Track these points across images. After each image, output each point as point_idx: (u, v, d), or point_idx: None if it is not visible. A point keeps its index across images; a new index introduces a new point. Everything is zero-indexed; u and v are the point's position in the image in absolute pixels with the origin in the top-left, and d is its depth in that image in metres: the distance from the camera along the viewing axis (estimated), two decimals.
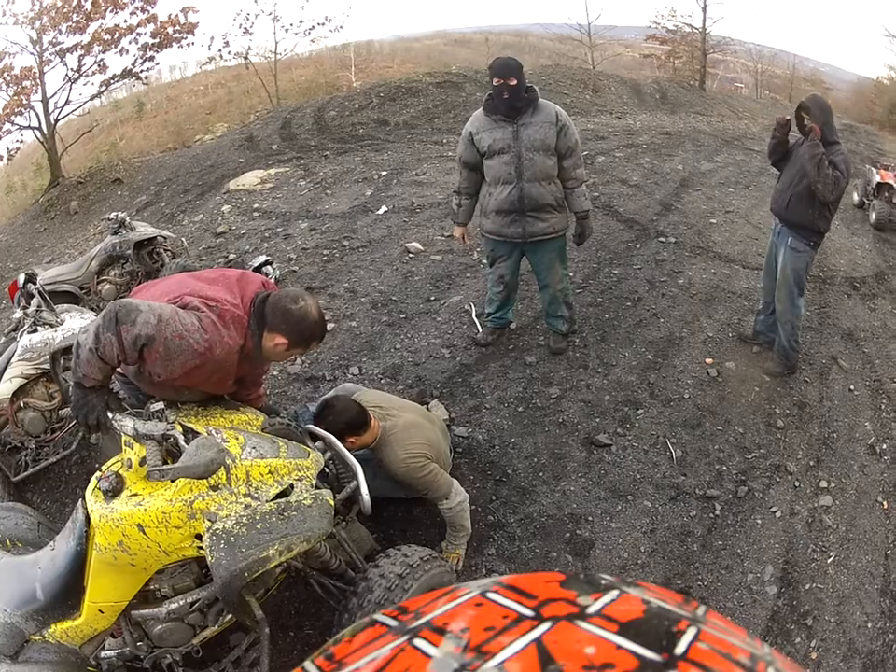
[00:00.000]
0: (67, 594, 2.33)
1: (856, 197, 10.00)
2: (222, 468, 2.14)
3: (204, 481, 2.18)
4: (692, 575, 3.53)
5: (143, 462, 2.16)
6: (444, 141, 12.11)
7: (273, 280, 6.17)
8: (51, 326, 4.07)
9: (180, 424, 2.33)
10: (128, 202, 12.15)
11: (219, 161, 12.69)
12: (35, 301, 4.22)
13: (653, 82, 22.88)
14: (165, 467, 2.05)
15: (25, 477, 4.05)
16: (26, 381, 3.95)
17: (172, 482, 2.16)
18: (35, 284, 4.31)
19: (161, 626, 2.36)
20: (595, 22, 25.11)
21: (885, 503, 4.13)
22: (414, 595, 2.60)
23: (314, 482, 2.52)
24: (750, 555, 3.66)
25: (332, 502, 2.46)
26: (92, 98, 16.56)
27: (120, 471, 2.21)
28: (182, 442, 2.16)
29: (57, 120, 15.49)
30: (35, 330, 4.09)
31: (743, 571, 3.57)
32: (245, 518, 2.17)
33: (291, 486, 2.41)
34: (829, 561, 3.70)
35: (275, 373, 4.90)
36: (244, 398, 3.01)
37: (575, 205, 4.54)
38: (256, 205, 9.01)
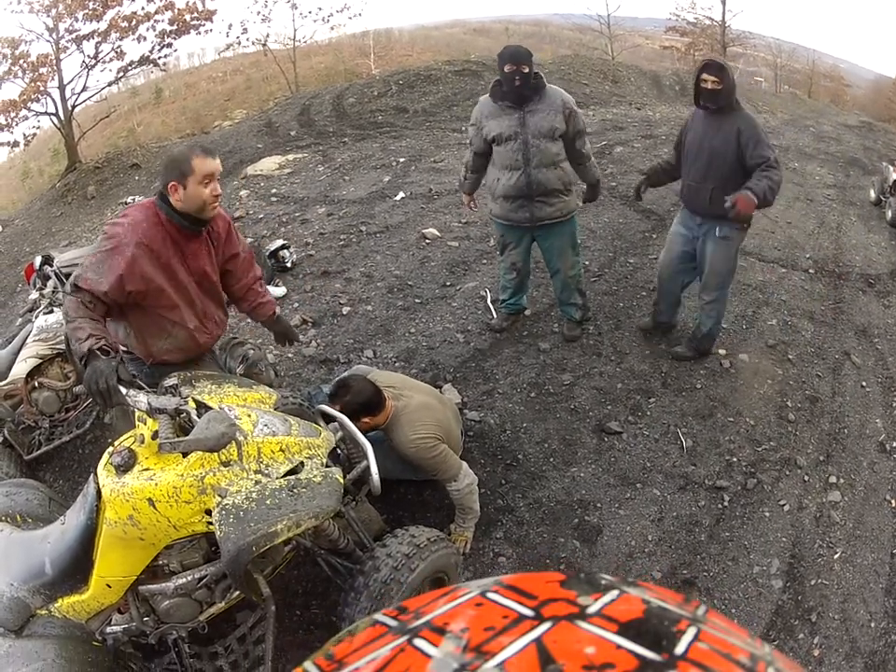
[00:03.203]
0: (76, 568, 2.34)
1: (873, 194, 9.89)
2: (234, 444, 2.17)
3: (216, 456, 2.21)
4: (698, 565, 3.54)
5: (155, 436, 2.19)
6: (462, 129, 12.01)
7: (289, 264, 6.24)
8: None
9: (193, 399, 2.36)
10: (145, 186, 12.17)
11: (238, 146, 12.70)
12: (51, 283, 4.28)
13: (673, 74, 22.68)
14: (176, 439, 2.08)
15: (38, 455, 4.08)
16: (41, 361, 4.00)
17: (184, 455, 2.19)
18: (51, 266, 4.36)
19: (168, 602, 2.38)
20: (616, 13, 24.96)
21: (893, 501, 4.11)
22: (422, 575, 2.63)
23: (324, 460, 2.55)
24: (757, 548, 3.67)
25: (342, 480, 2.47)
26: (110, 84, 16.59)
27: (132, 447, 2.24)
28: (195, 417, 2.19)
29: (74, 107, 15.54)
30: (51, 311, 4.16)
31: (749, 564, 3.58)
32: (254, 493, 2.19)
33: (301, 464, 2.43)
34: (835, 557, 3.69)
35: (290, 355, 4.95)
36: (246, 305, 3.30)
37: (588, 177, 4.61)
38: (274, 190, 9.04)
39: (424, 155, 10.34)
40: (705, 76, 4.04)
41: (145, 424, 2.26)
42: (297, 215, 7.93)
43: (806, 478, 4.14)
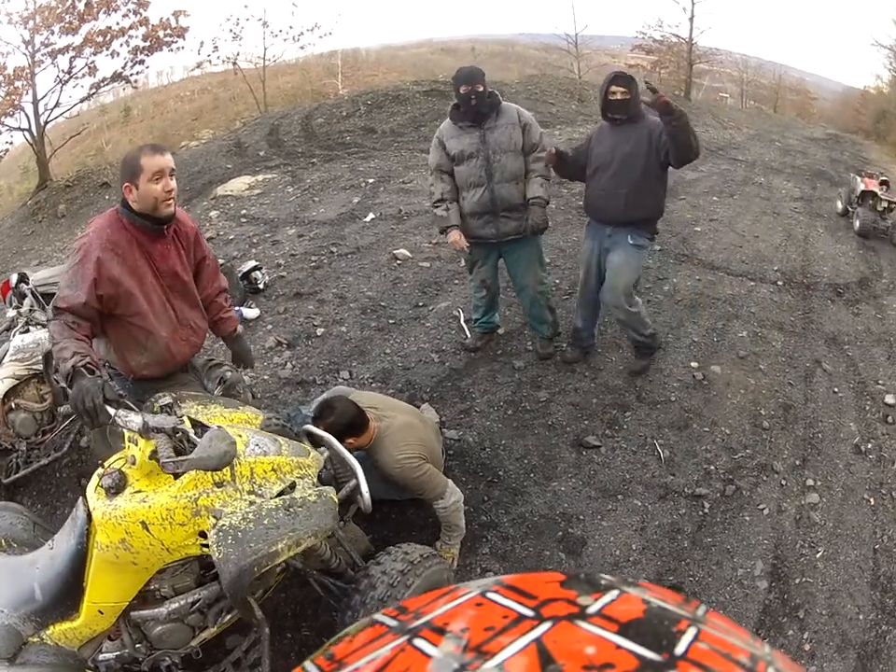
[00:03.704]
0: (66, 594, 2.27)
1: (840, 205, 10.12)
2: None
3: (209, 477, 2.17)
4: (683, 571, 3.57)
5: (153, 456, 2.15)
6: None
7: (261, 285, 6.21)
8: (44, 326, 4.02)
9: (189, 418, 2.33)
10: (116, 205, 11.99)
11: (207, 166, 12.63)
12: (27, 302, 4.21)
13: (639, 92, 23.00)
14: (179, 458, 2.04)
15: (16, 479, 3.98)
16: (18, 382, 3.90)
17: (175, 477, 2.16)
18: (27, 284, 4.29)
19: (160, 627, 2.32)
20: (582, 32, 25.16)
21: (872, 500, 4.19)
22: (416, 591, 2.61)
23: (315, 479, 2.54)
24: (740, 551, 3.71)
25: (336, 499, 2.47)
26: (82, 101, 16.24)
27: (123, 468, 2.20)
28: (192, 436, 2.16)
29: (47, 123, 15.27)
30: (28, 331, 4.06)
31: (733, 567, 3.62)
32: (251, 514, 2.16)
33: (293, 484, 2.41)
34: (818, 556, 3.75)
35: (266, 377, 4.93)
36: (208, 317, 3.24)
37: (529, 191, 4.52)
38: (244, 211, 9.00)
39: (393, 176, 10.38)
40: (613, 88, 4.19)
41: (136, 444, 2.20)
42: (267, 236, 7.90)
43: (784, 482, 4.20)
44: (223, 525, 2.10)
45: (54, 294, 5.01)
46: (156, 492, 2.15)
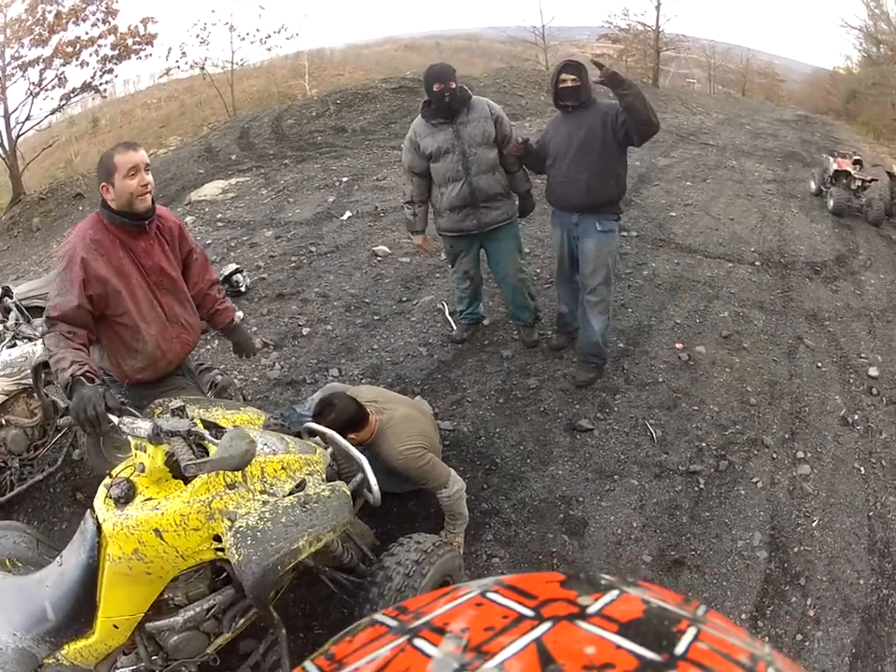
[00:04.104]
0: (79, 610, 2.20)
1: (813, 185, 10.24)
2: None
3: (221, 479, 2.15)
4: (684, 545, 3.62)
5: (169, 460, 2.13)
6: (402, 146, 12.08)
7: (243, 288, 6.17)
8: (30, 340, 3.97)
9: (201, 420, 2.30)
10: (94, 211, 11.85)
11: (179, 172, 12.53)
12: (13, 315, 4.14)
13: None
14: (201, 460, 1.97)
15: (10, 497, 3.90)
16: (7, 397, 3.82)
17: (185, 482, 2.13)
18: (11, 298, 4.22)
19: (176, 637, 2.28)
20: (549, 24, 25.18)
21: (862, 468, 4.27)
22: (432, 580, 2.62)
23: (324, 476, 2.52)
24: (738, 524, 3.77)
25: (348, 492, 2.46)
26: (53, 112, 16.07)
27: (132, 477, 2.16)
28: (209, 436, 2.10)
29: (19, 136, 15.09)
30: (14, 345, 3.99)
31: (732, 539, 3.68)
32: (267, 513, 2.13)
33: (303, 481, 2.39)
34: (813, 525, 3.82)
35: (255, 379, 4.92)
36: (203, 311, 3.24)
37: (518, 187, 4.70)
38: (219, 215, 8.93)
39: (366, 174, 10.36)
40: (563, 76, 4.22)
41: (144, 451, 2.15)
42: (245, 239, 7.84)
43: (775, 455, 4.28)
44: (240, 527, 2.08)
45: (34, 307, 4.97)
46: (168, 498, 2.11)
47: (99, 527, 2.15)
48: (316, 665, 0.66)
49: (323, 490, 2.36)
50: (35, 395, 3.83)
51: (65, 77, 15.12)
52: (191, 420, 2.19)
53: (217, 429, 2.21)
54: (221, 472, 2.14)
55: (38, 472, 4.03)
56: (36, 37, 14.31)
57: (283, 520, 2.14)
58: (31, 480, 3.99)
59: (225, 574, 2.35)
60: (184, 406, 2.24)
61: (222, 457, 1.93)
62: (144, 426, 2.11)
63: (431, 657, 0.58)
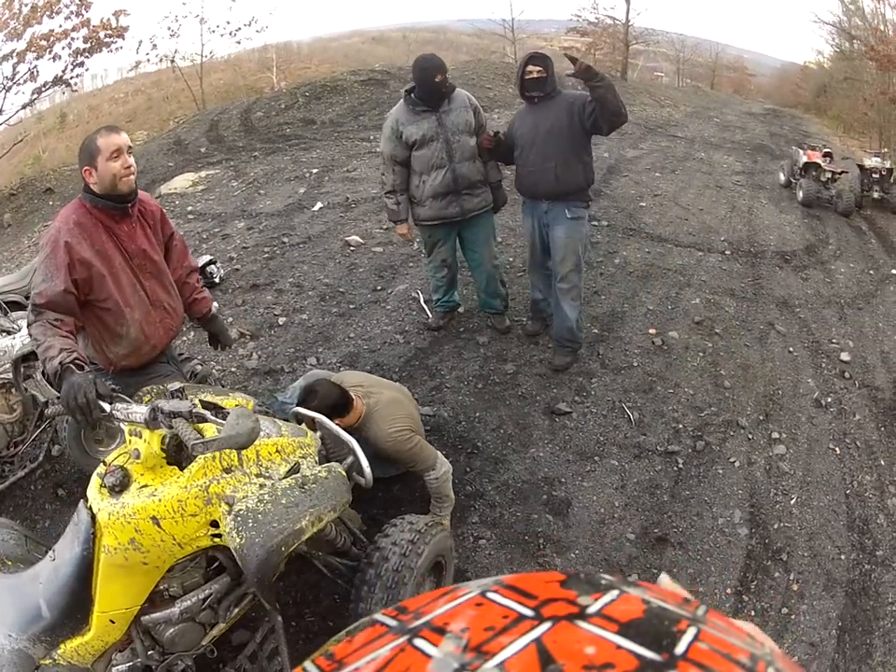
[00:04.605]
0: (75, 606, 2.12)
1: (782, 177, 10.41)
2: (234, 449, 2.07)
3: (217, 464, 2.12)
4: (666, 523, 3.67)
5: (171, 443, 2.10)
6: (371, 137, 12.03)
7: (217, 279, 6.10)
8: (9, 333, 3.87)
9: (200, 401, 2.25)
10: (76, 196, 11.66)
11: (149, 166, 12.34)
12: None
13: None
14: (208, 439, 1.91)
15: None
16: None
17: (180, 468, 2.10)
18: None
19: (172, 629, 2.23)
20: (518, 17, 25.18)
21: (837, 449, 4.35)
22: (427, 559, 2.64)
23: (317, 458, 2.51)
24: (717, 502, 3.84)
25: (344, 473, 2.45)
26: (24, 107, 15.66)
27: (126, 464, 2.11)
28: (210, 416, 2.03)
29: None
30: None
31: (713, 516, 3.74)
32: (266, 496, 2.12)
33: (297, 464, 2.37)
34: (792, 502, 3.89)
35: (233, 369, 4.89)
36: (181, 299, 3.15)
37: (492, 176, 4.74)
38: (190, 208, 8.84)
39: (336, 165, 10.32)
40: (530, 67, 4.31)
41: (140, 437, 2.10)
42: (217, 231, 7.77)
43: (750, 436, 4.35)
44: (239, 510, 2.05)
45: (10, 302, 4.86)
46: (164, 484, 2.07)
47: (93, 518, 2.09)
48: (316, 665, 0.65)
49: (319, 471, 2.35)
50: (14, 390, 3.74)
51: (37, 71, 14.77)
52: (191, 402, 2.14)
53: (216, 410, 2.16)
54: (217, 457, 2.12)
55: (19, 469, 3.93)
56: (11, 31, 14.00)
57: (283, 501, 2.13)
58: (12, 477, 3.89)
59: (217, 563, 2.32)
60: (183, 387, 2.19)
61: (230, 435, 1.88)
62: (140, 409, 2.08)
63: (431, 657, 0.57)
